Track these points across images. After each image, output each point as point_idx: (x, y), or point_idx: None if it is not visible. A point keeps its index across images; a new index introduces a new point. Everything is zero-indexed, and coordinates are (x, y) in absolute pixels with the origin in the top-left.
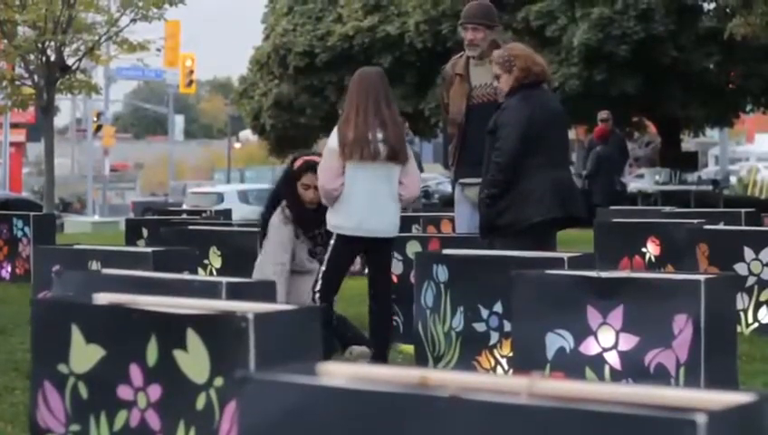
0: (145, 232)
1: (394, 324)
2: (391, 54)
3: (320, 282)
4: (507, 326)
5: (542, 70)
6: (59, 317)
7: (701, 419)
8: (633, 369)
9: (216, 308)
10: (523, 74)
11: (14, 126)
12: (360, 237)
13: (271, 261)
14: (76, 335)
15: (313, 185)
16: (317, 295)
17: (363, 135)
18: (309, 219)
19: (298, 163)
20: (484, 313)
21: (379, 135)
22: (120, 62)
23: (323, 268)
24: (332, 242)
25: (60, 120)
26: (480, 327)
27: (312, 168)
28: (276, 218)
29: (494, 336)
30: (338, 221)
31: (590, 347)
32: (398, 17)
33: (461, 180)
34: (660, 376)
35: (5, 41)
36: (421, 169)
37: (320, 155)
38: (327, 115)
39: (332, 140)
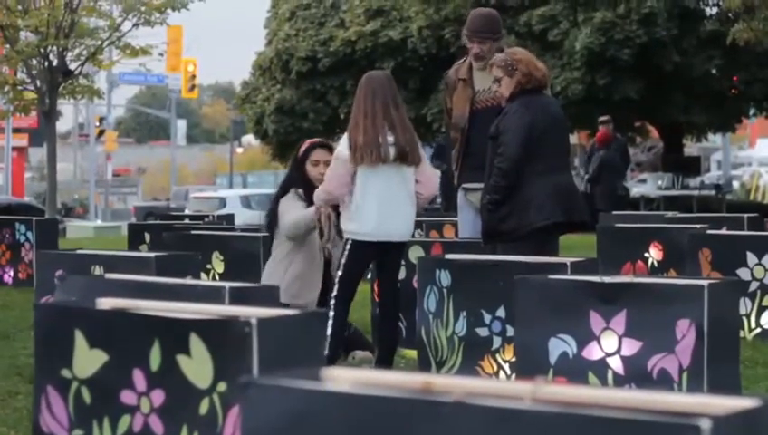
0: (147, 237)
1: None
2: (394, 59)
3: (336, 287)
4: (510, 331)
5: (543, 75)
6: (62, 322)
7: (705, 424)
8: (636, 374)
9: (220, 313)
10: (525, 79)
11: (17, 131)
12: (376, 242)
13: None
14: (79, 340)
15: (323, 160)
16: (333, 301)
17: (373, 139)
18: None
19: (305, 145)
20: (487, 318)
21: (390, 138)
22: (122, 66)
23: (339, 273)
24: (348, 248)
25: (62, 125)
26: (483, 332)
27: (319, 145)
28: (287, 197)
29: (497, 341)
30: (354, 227)
31: (593, 352)
32: (401, 22)
33: (464, 185)
34: (663, 381)
35: (8, 46)
36: None
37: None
38: (329, 120)
39: (342, 147)
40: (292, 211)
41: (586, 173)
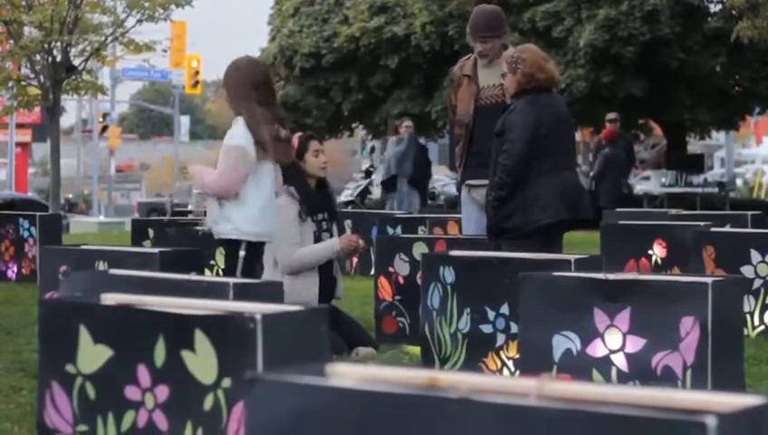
0: (151, 233)
1: (400, 326)
2: (398, 56)
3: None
4: (514, 328)
5: (547, 78)
6: (66, 318)
7: (711, 421)
8: (640, 371)
9: (224, 309)
10: (525, 79)
11: (20, 126)
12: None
13: (284, 242)
14: (84, 336)
15: (321, 149)
16: None
17: (274, 132)
18: (314, 199)
19: (297, 138)
20: (491, 314)
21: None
22: (125, 62)
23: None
24: (242, 253)
25: (66, 121)
26: (486, 329)
27: (310, 136)
28: (282, 199)
29: (501, 338)
30: (264, 228)
31: (597, 349)
32: (405, 19)
33: (468, 182)
34: (667, 378)
35: (12, 41)
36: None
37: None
38: (333, 116)
39: (244, 137)
40: (289, 239)
41: (591, 170)
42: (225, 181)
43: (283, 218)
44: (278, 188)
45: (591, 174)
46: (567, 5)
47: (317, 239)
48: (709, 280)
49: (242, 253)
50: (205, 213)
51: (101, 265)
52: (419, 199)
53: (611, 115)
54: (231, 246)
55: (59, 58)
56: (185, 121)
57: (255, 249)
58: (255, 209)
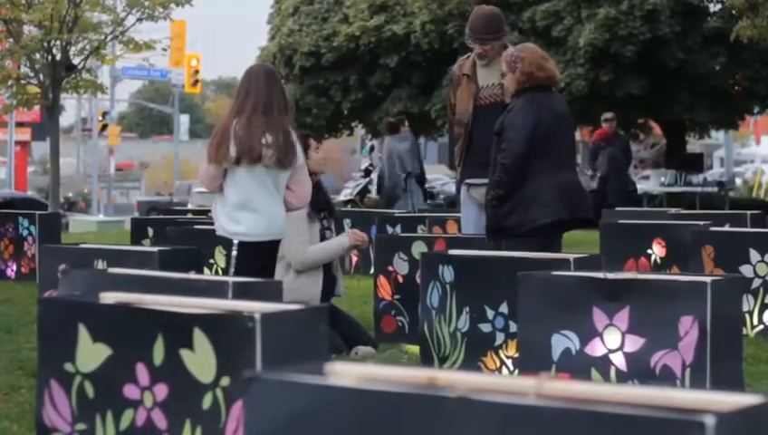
0: (150, 231)
1: (399, 325)
2: (397, 55)
3: None
4: (513, 327)
5: (547, 76)
6: (66, 316)
7: (709, 420)
8: (639, 370)
9: (223, 308)
10: (524, 78)
11: (20, 125)
12: None
13: (295, 240)
14: (83, 334)
15: (318, 147)
16: None
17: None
18: (315, 197)
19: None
20: (490, 313)
21: None
22: (125, 61)
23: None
24: (234, 252)
25: (65, 120)
26: (486, 328)
27: (306, 136)
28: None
29: (500, 337)
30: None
31: (596, 348)
32: (404, 17)
33: (467, 181)
34: (666, 378)
35: (11, 40)
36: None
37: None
38: (333, 115)
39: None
40: (299, 238)
41: (594, 170)
42: (199, 176)
43: (293, 217)
44: (301, 196)
45: (599, 173)
46: (567, 5)
47: (321, 237)
48: (708, 279)
49: (233, 252)
50: None
51: (101, 264)
52: (422, 195)
53: (607, 115)
54: (226, 243)
55: (58, 57)
56: (184, 120)
57: (250, 249)
58: (228, 207)
